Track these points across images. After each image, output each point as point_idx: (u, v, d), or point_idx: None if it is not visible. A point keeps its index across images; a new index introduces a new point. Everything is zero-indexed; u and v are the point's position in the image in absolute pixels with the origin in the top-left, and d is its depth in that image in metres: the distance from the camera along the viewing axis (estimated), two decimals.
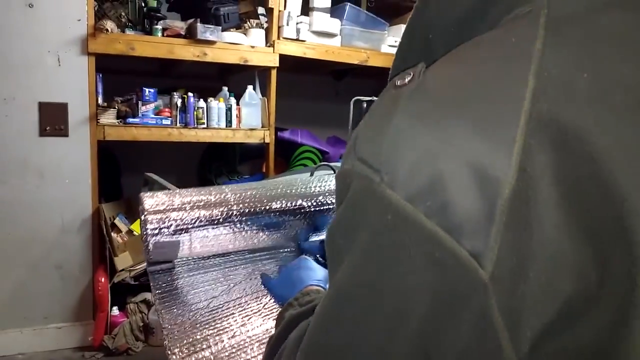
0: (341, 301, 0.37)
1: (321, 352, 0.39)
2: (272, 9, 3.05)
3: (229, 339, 0.99)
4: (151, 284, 1.08)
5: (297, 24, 3.09)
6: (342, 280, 0.37)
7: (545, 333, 0.30)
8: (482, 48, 0.37)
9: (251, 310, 1.07)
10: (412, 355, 0.32)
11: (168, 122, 2.87)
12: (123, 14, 2.77)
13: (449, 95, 0.35)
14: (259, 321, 1.04)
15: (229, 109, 3.01)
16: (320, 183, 1.23)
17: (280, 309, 0.67)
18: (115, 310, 2.81)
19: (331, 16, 3.17)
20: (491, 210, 0.30)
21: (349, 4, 3.24)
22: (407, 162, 0.33)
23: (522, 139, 0.31)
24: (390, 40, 3.40)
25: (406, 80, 0.38)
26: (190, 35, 2.82)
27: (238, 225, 1.10)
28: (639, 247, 0.29)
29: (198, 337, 0.98)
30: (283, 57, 3.08)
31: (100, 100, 2.73)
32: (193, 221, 1.05)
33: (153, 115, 2.84)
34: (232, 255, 1.21)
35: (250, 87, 3.12)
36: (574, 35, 0.34)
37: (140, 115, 2.80)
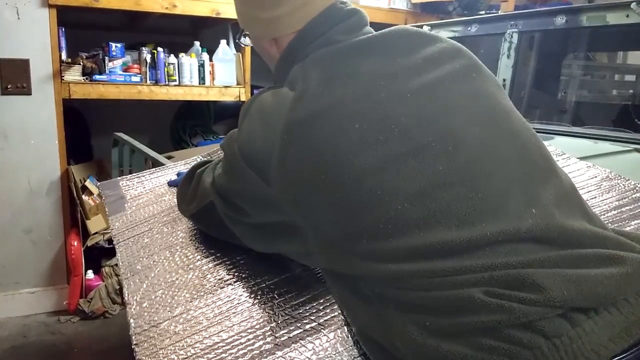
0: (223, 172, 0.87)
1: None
2: None
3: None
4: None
5: None
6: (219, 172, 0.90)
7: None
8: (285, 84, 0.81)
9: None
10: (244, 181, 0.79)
11: (137, 79, 2.74)
12: None
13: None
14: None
15: (201, 65, 2.89)
16: None
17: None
18: (90, 274, 2.75)
19: None
20: (268, 159, 0.74)
21: None
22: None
23: (285, 124, 0.73)
24: None
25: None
26: None
27: None
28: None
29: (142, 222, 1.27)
30: None
31: (64, 56, 2.58)
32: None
33: (121, 72, 2.71)
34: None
35: (223, 42, 2.98)
36: (315, 67, 0.79)
37: (107, 72, 2.66)
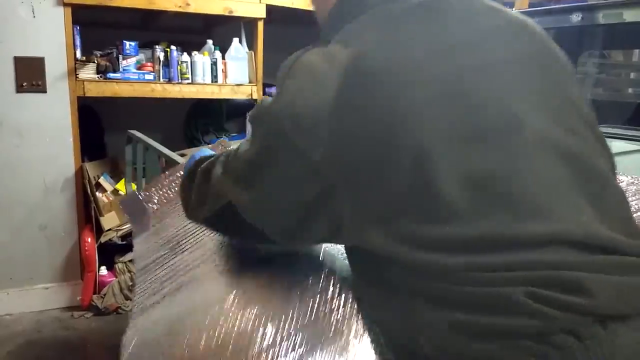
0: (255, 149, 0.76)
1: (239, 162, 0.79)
2: None
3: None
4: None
5: None
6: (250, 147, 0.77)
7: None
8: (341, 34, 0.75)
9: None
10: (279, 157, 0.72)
11: (151, 77, 2.76)
12: None
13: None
14: None
15: (214, 63, 2.90)
16: None
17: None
18: (104, 270, 2.78)
19: None
20: (317, 116, 0.67)
21: None
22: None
23: (340, 81, 0.67)
24: None
25: None
26: None
27: None
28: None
29: None
30: (270, 8, 2.95)
31: (78, 54, 2.61)
32: None
33: (135, 70, 2.73)
34: None
35: (236, 40, 2.99)
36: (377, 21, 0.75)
37: (121, 70, 2.68)
